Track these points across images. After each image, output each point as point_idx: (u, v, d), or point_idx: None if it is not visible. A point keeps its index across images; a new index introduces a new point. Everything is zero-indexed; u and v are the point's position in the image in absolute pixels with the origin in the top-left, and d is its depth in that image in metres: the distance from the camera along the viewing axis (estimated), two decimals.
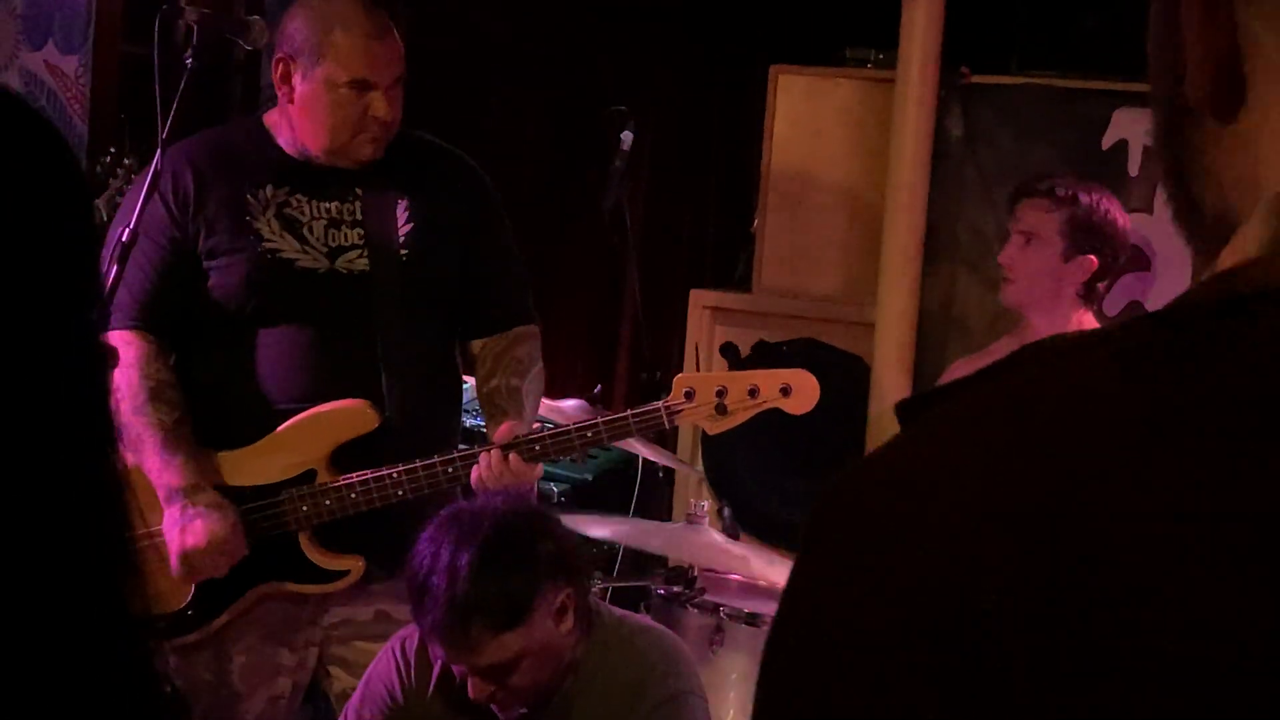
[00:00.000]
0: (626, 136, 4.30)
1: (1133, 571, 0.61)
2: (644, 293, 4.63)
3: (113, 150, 4.18)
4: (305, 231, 2.88)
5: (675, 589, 3.50)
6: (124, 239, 2.71)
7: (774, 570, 3.43)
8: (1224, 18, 0.70)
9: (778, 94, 4.56)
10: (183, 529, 2.78)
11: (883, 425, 4.04)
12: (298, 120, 2.87)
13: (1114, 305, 3.84)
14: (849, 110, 4.51)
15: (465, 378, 3.17)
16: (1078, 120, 4.14)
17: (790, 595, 0.70)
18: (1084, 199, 3.24)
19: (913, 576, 0.64)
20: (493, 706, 2.49)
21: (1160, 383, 0.65)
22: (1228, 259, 0.70)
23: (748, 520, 4.28)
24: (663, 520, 4.21)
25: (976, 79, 4.29)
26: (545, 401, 3.35)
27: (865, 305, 4.33)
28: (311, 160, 2.90)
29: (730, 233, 5.09)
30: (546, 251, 5.03)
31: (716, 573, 3.57)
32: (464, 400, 3.18)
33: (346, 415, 2.84)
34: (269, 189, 2.89)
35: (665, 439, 4.65)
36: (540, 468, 2.82)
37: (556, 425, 2.85)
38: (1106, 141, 4.12)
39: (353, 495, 2.81)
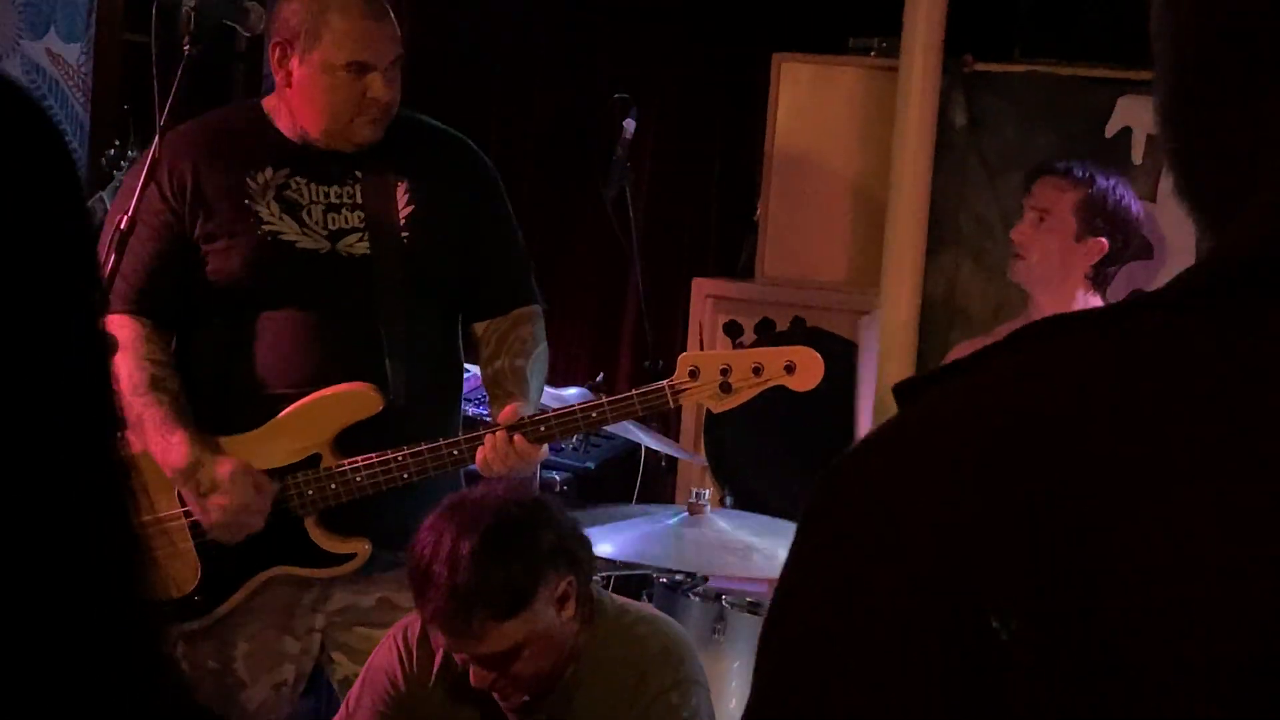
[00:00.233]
0: (629, 125, 4.30)
1: (1130, 556, 0.61)
2: (646, 281, 4.63)
3: (118, 143, 4.18)
4: (304, 214, 2.88)
5: (677, 577, 3.50)
6: (122, 226, 2.71)
7: (775, 563, 3.43)
8: None
9: (781, 82, 4.56)
10: (203, 509, 2.79)
11: (884, 414, 4.04)
12: (296, 104, 2.87)
13: (1117, 294, 3.83)
14: (852, 99, 4.50)
15: (467, 366, 3.17)
16: (1081, 108, 4.13)
17: (789, 575, 0.69)
18: (1101, 182, 3.26)
19: (910, 557, 0.64)
20: (494, 694, 2.49)
21: (1160, 363, 0.65)
22: (1231, 235, 0.70)
23: (750, 507, 4.28)
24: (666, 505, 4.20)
25: (980, 67, 4.28)
26: (548, 390, 3.34)
27: (868, 294, 4.33)
28: (311, 144, 2.90)
29: (733, 221, 5.08)
30: (549, 240, 5.02)
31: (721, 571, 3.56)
32: (465, 389, 3.18)
33: (351, 399, 2.84)
34: (268, 171, 2.89)
35: (668, 428, 4.65)
36: (545, 449, 2.81)
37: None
38: (1110, 129, 4.11)
39: (358, 479, 2.81)
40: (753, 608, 3.36)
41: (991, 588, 0.62)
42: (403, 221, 2.91)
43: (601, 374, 4.59)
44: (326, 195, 2.90)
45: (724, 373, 2.77)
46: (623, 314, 5.30)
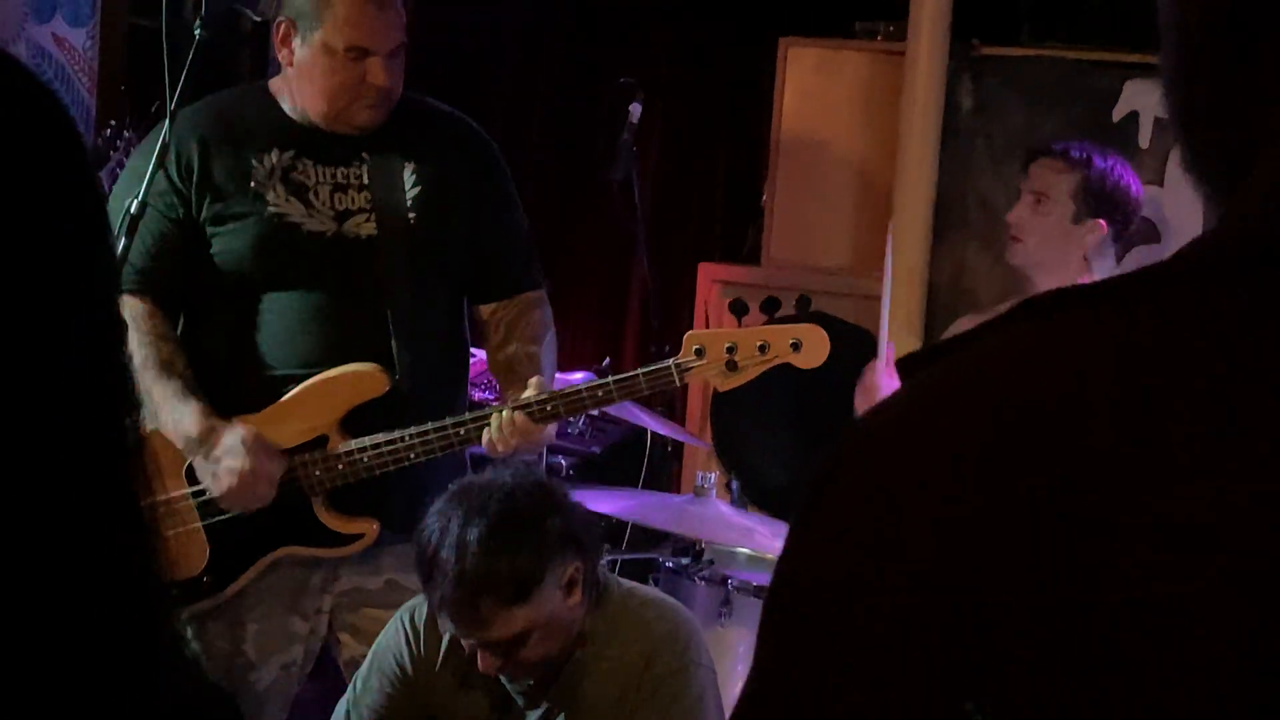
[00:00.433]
0: (635, 109, 4.29)
1: (1131, 553, 0.61)
2: (653, 266, 4.63)
3: (113, 123, 4.18)
4: (311, 196, 2.88)
5: (683, 561, 3.51)
6: (132, 210, 2.71)
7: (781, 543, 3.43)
8: None
9: (787, 67, 4.55)
10: (215, 478, 2.79)
11: None
12: (296, 85, 2.87)
13: None
14: (859, 83, 4.50)
15: (472, 350, 3.17)
16: (1088, 92, 4.13)
17: (789, 563, 0.69)
18: (1098, 163, 3.22)
19: (910, 553, 0.64)
20: (501, 678, 2.50)
21: (1162, 350, 0.64)
22: (1233, 209, 0.70)
23: (756, 493, 4.29)
24: (671, 493, 4.21)
25: (986, 51, 4.27)
26: (555, 373, 3.34)
27: (874, 278, 4.32)
28: (314, 125, 2.89)
29: (739, 206, 5.08)
30: (556, 224, 5.02)
31: (725, 545, 3.57)
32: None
33: (358, 379, 2.84)
34: (275, 153, 2.89)
35: (674, 412, 4.66)
36: (551, 430, 2.81)
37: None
38: (1117, 113, 4.10)
39: (365, 459, 2.81)
40: (758, 592, 3.37)
41: (992, 584, 0.62)
42: (409, 203, 2.91)
43: (608, 358, 4.59)
44: (333, 176, 2.90)
45: (730, 351, 2.77)
46: (629, 298, 5.30)
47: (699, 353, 2.77)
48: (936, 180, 4.21)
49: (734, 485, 4.21)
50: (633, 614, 2.54)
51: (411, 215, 2.91)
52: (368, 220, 2.89)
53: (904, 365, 0.71)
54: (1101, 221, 3.20)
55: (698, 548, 3.52)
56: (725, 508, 3.59)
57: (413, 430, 2.78)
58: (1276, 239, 0.66)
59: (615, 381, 2.78)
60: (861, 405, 3.28)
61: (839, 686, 0.65)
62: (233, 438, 2.78)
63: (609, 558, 3.68)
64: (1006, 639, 0.61)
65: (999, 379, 0.66)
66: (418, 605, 2.60)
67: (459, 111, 3.09)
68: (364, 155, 2.91)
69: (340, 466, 2.83)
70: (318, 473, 2.84)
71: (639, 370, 2.79)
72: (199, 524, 2.86)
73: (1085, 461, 0.62)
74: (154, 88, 2.84)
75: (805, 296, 4.50)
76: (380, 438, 2.80)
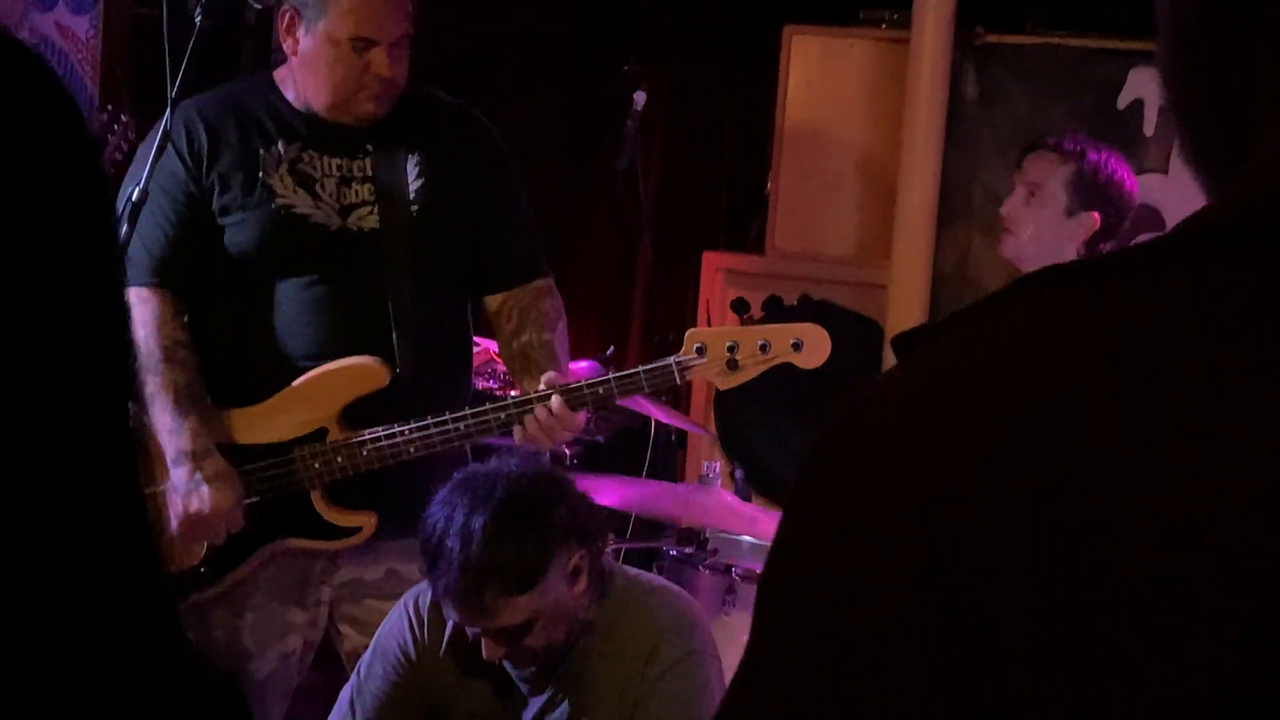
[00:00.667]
0: (639, 97, 4.28)
1: (1132, 553, 0.60)
2: (657, 254, 4.62)
3: (110, 108, 4.17)
4: (318, 188, 2.88)
5: (687, 550, 3.51)
6: (134, 198, 2.70)
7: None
8: None
9: (792, 54, 4.55)
10: (187, 494, 2.78)
11: None
12: (300, 75, 2.87)
13: None
14: (863, 71, 4.49)
15: (477, 340, 3.17)
16: (1093, 80, 4.12)
17: (786, 536, 0.69)
18: (1092, 156, 3.21)
19: (909, 555, 0.64)
20: (505, 665, 2.50)
21: (1162, 322, 0.64)
22: (1228, 191, 0.69)
23: (759, 481, 4.28)
24: (675, 482, 4.21)
25: (991, 39, 4.27)
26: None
27: (879, 267, 4.32)
28: (319, 115, 2.89)
29: (743, 194, 5.08)
30: (559, 213, 5.02)
31: (729, 534, 3.57)
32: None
33: (358, 372, 2.84)
34: (281, 145, 2.89)
35: (678, 401, 4.65)
36: (584, 414, 2.81)
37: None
38: (1122, 101, 4.09)
39: (364, 452, 2.81)
40: None
41: (991, 584, 0.62)
42: (412, 195, 2.91)
43: (612, 347, 4.58)
44: (339, 168, 2.90)
45: (731, 350, 2.77)
46: (633, 287, 5.29)
47: (700, 351, 2.77)
48: (941, 169, 4.21)
49: (738, 474, 4.21)
50: (637, 602, 2.54)
51: (415, 208, 2.91)
52: (371, 213, 2.89)
53: (899, 344, 0.71)
54: (1095, 214, 3.19)
55: (702, 536, 3.52)
56: (729, 496, 3.59)
57: (413, 424, 2.78)
58: (1273, 214, 0.66)
59: (616, 378, 2.78)
60: None
61: (836, 686, 0.65)
62: (225, 468, 2.79)
63: (613, 546, 3.68)
64: (1006, 638, 0.61)
65: (996, 366, 0.66)
66: (421, 592, 2.60)
67: (464, 102, 3.08)
68: (368, 147, 2.91)
69: (340, 459, 2.82)
70: (317, 465, 2.83)
71: (639, 368, 2.79)
72: None
73: (1085, 460, 0.62)
74: (157, 76, 2.84)
75: (807, 295, 4.50)
76: (380, 431, 2.80)
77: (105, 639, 0.78)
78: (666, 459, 4.52)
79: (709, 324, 4.53)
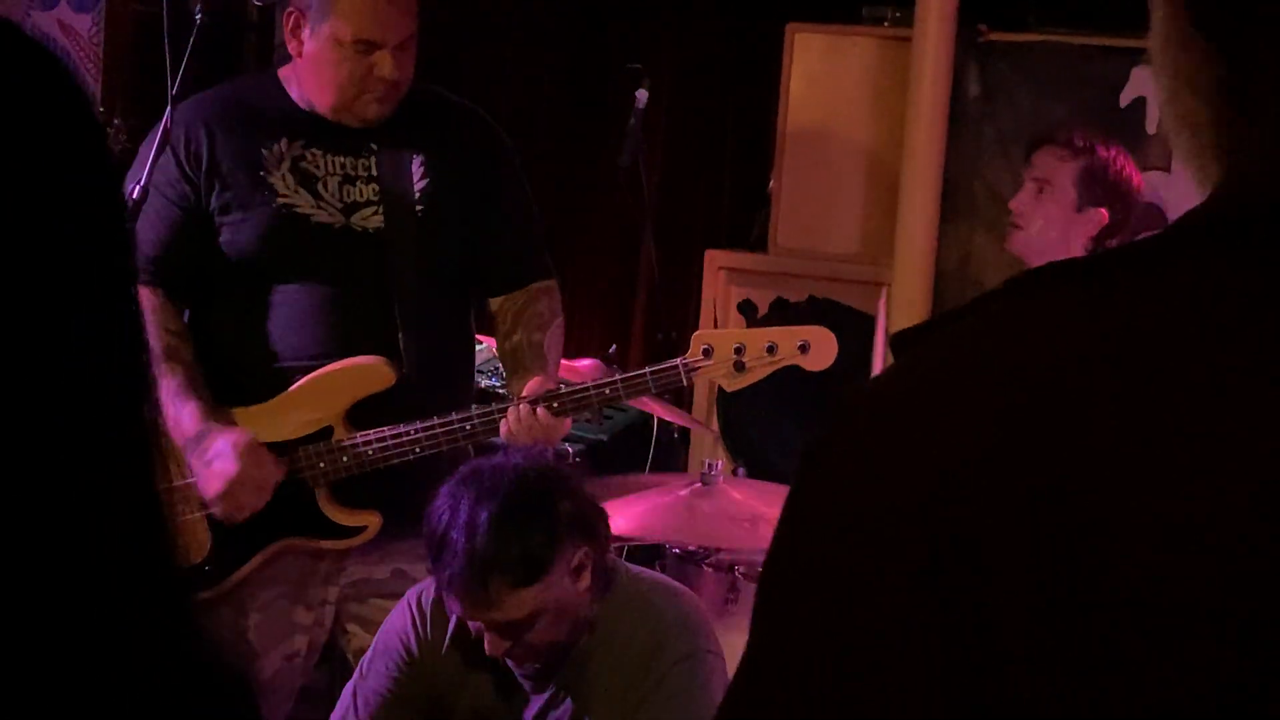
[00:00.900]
0: (641, 95, 4.28)
1: (1132, 554, 0.60)
2: (659, 253, 4.62)
3: (102, 109, 4.18)
4: (320, 187, 2.88)
5: (690, 548, 3.50)
6: (134, 196, 2.70)
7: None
8: None
9: (794, 52, 4.54)
10: (205, 479, 2.79)
11: None
12: (304, 76, 2.86)
13: None
14: (866, 69, 4.49)
15: (480, 338, 3.17)
16: (1096, 78, 4.12)
17: (786, 533, 0.69)
18: (1101, 152, 3.22)
19: (909, 555, 0.64)
20: (508, 661, 2.50)
21: (1163, 320, 0.64)
22: (1224, 185, 0.69)
23: (762, 479, 4.27)
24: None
25: (994, 37, 4.26)
26: (561, 361, 3.34)
27: (882, 265, 4.32)
28: (323, 115, 2.89)
29: (746, 193, 5.07)
30: (561, 211, 5.01)
31: None
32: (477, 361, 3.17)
33: (363, 372, 2.84)
34: (283, 143, 2.88)
35: (681, 399, 4.65)
36: (568, 422, 2.82)
37: (572, 384, 2.85)
38: (1125, 99, 4.09)
39: (369, 452, 2.81)
40: None
41: (991, 585, 0.62)
42: (417, 195, 2.91)
43: (614, 345, 4.58)
44: (342, 167, 2.89)
45: (738, 351, 2.78)
46: (635, 286, 5.29)
47: (707, 353, 2.78)
48: (944, 167, 4.21)
49: (741, 472, 4.20)
50: (641, 600, 2.54)
51: (419, 208, 2.90)
52: (375, 213, 2.88)
53: (897, 341, 0.71)
54: (1103, 210, 3.20)
55: None
56: (734, 495, 3.58)
57: (418, 424, 2.78)
58: (1272, 210, 0.65)
59: (623, 380, 2.79)
60: None
61: (836, 686, 0.65)
62: (225, 442, 2.77)
63: (615, 543, 3.67)
64: (1006, 638, 0.61)
65: (995, 364, 0.66)
66: (425, 589, 2.60)
67: (469, 102, 3.08)
68: (373, 146, 2.90)
69: (344, 459, 2.82)
70: (322, 465, 2.84)
71: (646, 370, 2.80)
72: (201, 513, 2.86)
73: (1085, 460, 0.62)
74: (160, 73, 2.84)
75: (814, 296, 4.49)
76: (385, 431, 2.80)
77: (112, 638, 0.78)
78: (669, 456, 4.52)
79: (715, 325, 4.53)
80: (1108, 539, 0.60)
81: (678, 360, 2.79)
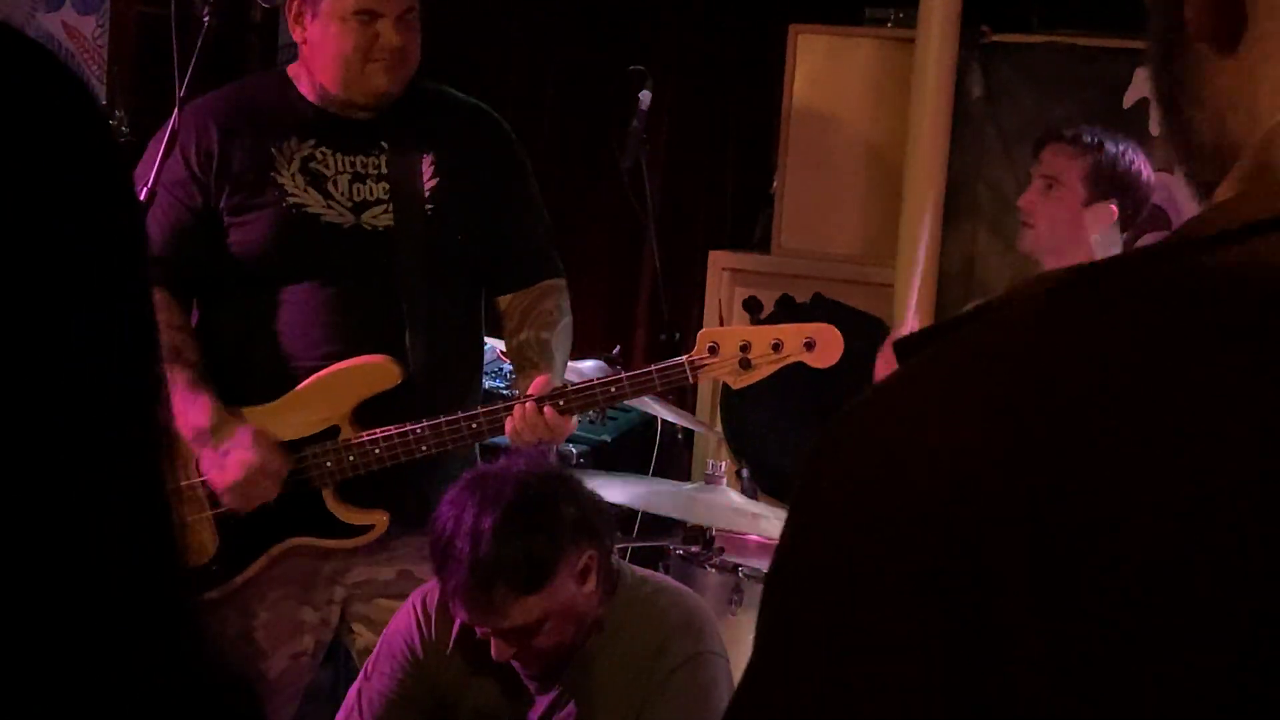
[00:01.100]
0: (645, 96, 4.28)
1: (1136, 557, 0.60)
2: (663, 254, 4.61)
3: (103, 104, 4.18)
4: (330, 186, 2.88)
5: (693, 549, 3.51)
6: (142, 197, 2.71)
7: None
8: None
9: (797, 54, 4.55)
10: (221, 468, 2.79)
11: None
12: (312, 59, 2.86)
13: None
14: (869, 70, 4.49)
15: (488, 339, 3.17)
16: (1099, 79, 4.12)
17: (791, 537, 0.69)
18: (1109, 147, 3.22)
19: (912, 532, 0.64)
20: (514, 664, 2.50)
21: (1165, 323, 0.64)
22: (1224, 192, 0.69)
23: (765, 481, 4.28)
24: (681, 481, 4.21)
25: (997, 38, 4.27)
26: (569, 360, 3.34)
27: (885, 266, 4.32)
28: (333, 106, 2.88)
29: (749, 193, 5.07)
30: (565, 212, 5.01)
31: (735, 533, 3.57)
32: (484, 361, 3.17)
33: (369, 371, 2.84)
34: (293, 141, 2.88)
35: (684, 400, 4.65)
36: (574, 421, 2.82)
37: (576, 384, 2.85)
38: (1128, 100, 4.09)
39: (376, 451, 2.81)
40: None
41: (994, 587, 0.62)
42: (427, 194, 2.91)
43: (618, 346, 4.58)
44: (352, 165, 2.89)
45: (743, 349, 2.77)
46: (639, 286, 5.29)
47: (712, 350, 2.77)
48: (947, 167, 4.21)
49: (744, 473, 4.21)
50: (646, 602, 2.54)
51: (429, 207, 2.90)
52: (385, 211, 2.89)
53: (902, 346, 0.71)
54: (1112, 205, 3.20)
55: (708, 535, 3.52)
56: (735, 496, 3.59)
57: (425, 423, 2.78)
58: (1276, 213, 0.66)
59: (629, 378, 2.78)
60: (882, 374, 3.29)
61: (840, 689, 0.65)
62: (244, 432, 2.79)
63: (619, 546, 3.68)
64: (1009, 640, 0.61)
65: (1000, 369, 0.66)
66: (429, 590, 2.61)
67: (479, 101, 3.08)
68: (383, 144, 2.90)
69: (351, 458, 2.83)
70: (328, 464, 2.84)
71: (652, 367, 2.79)
72: (208, 512, 2.86)
73: (1087, 461, 0.62)
74: (163, 74, 2.84)
75: (820, 294, 4.49)
76: (392, 430, 2.80)
77: (117, 636, 0.78)
78: (673, 458, 4.52)
79: (720, 319, 4.53)
80: (1110, 541, 0.60)
81: (683, 358, 2.79)
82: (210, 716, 0.84)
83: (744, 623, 3.34)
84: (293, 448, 2.85)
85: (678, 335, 4.32)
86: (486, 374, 3.78)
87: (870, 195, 4.52)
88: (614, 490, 3.38)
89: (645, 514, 4.09)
